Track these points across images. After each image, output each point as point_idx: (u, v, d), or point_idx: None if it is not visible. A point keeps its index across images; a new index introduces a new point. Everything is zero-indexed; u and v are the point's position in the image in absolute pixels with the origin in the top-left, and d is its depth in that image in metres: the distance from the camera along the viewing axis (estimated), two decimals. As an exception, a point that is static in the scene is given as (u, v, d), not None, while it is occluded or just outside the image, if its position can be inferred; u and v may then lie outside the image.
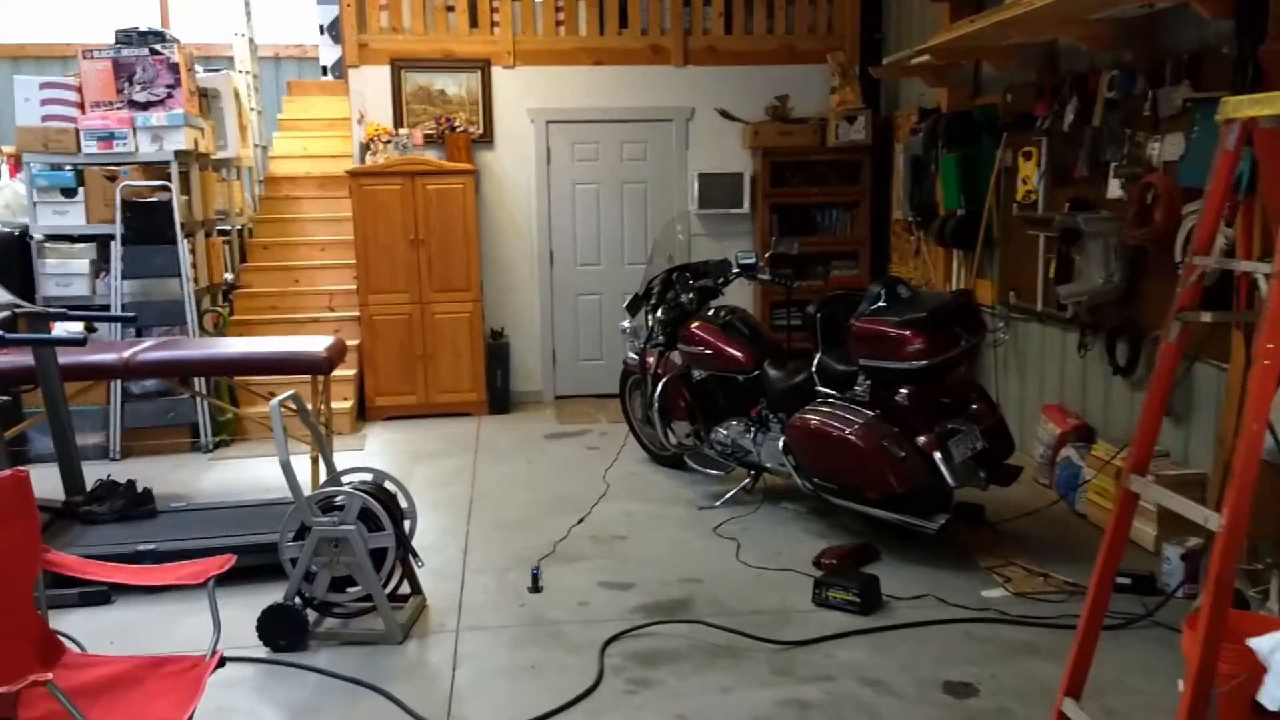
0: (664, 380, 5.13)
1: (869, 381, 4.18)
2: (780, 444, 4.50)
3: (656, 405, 5.15)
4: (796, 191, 7.25)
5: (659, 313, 5.10)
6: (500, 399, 7.09)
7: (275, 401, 3.43)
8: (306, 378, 5.04)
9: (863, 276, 7.29)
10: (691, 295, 5.08)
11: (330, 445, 5.42)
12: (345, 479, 3.74)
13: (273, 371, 4.97)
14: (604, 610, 3.72)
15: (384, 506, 3.48)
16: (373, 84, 7.13)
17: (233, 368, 4.89)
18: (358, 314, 6.97)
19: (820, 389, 4.37)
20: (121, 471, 5.71)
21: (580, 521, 4.68)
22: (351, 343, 6.97)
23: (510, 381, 7.20)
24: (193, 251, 6.52)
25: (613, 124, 7.34)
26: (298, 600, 3.44)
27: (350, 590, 3.47)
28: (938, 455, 3.99)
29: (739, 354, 4.80)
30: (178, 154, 6.27)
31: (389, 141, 6.97)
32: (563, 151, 7.34)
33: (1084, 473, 4.64)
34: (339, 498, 3.46)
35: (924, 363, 3.94)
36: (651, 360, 5.29)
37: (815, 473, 4.31)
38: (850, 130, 7.06)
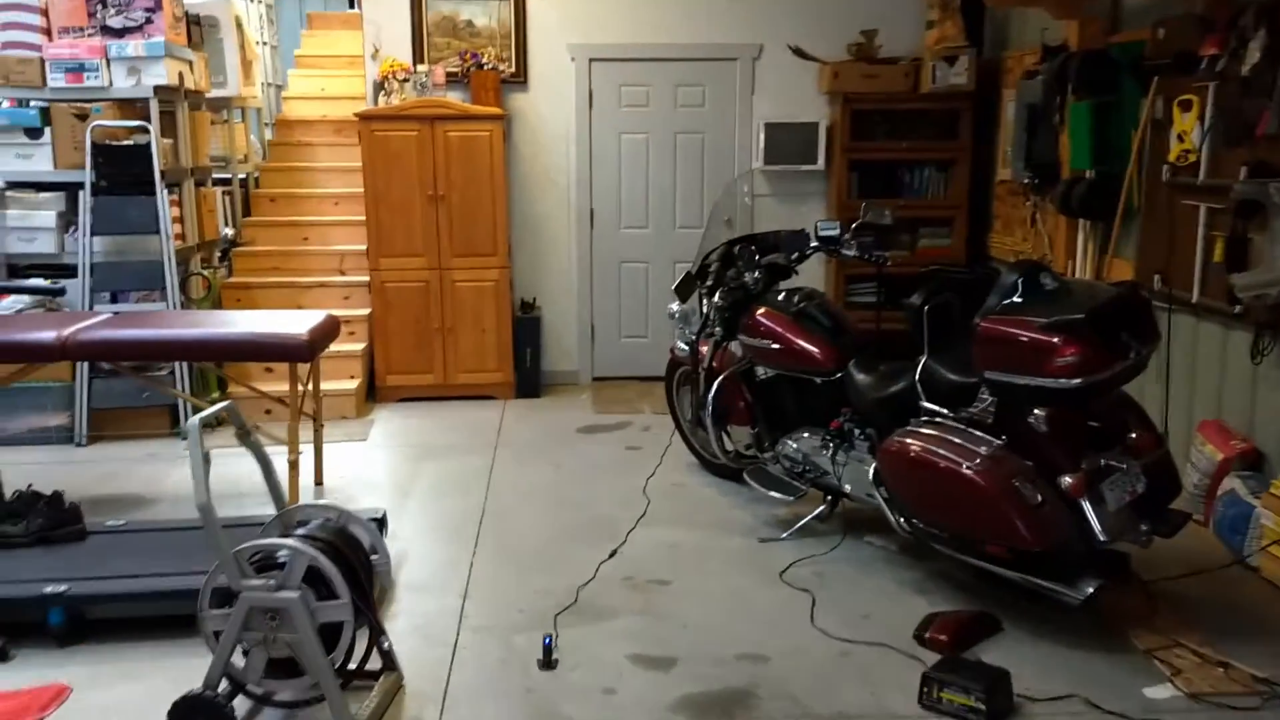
0: (720, 378, 4.16)
1: (994, 399, 3.16)
2: (870, 471, 3.52)
3: (710, 407, 4.18)
4: (882, 145, 6.16)
5: (716, 296, 4.10)
6: (529, 381, 6.17)
7: (195, 421, 2.53)
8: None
9: (956, 248, 6.20)
10: (757, 274, 4.07)
11: (319, 441, 4.56)
12: (300, 518, 2.84)
13: (242, 358, 4.12)
14: (636, 704, 2.79)
15: (344, 562, 2.58)
16: (390, 12, 6.15)
17: (193, 352, 4.01)
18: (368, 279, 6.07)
19: (925, 404, 3.37)
20: (86, 461, 4.94)
21: (612, 555, 3.75)
22: (361, 312, 6.09)
23: (541, 361, 6.27)
24: (178, 204, 5.66)
25: (666, 63, 6.30)
26: (224, 687, 2.56)
27: (296, 676, 2.58)
28: (1086, 502, 2.99)
29: (816, 351, 3.80)
30: (158, 90, 5.38)
31: (406, 80, 6.01)
32: (607, 95, 6.32)
33: (1258, 515, 3.60)
34: (281, 553, 2.55)
35: (1078, 381, 2.91)
36: (705, 351, 4.31)
37: (917, 513, 3.32)
38: (949, 73, 5.94)
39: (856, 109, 6.09)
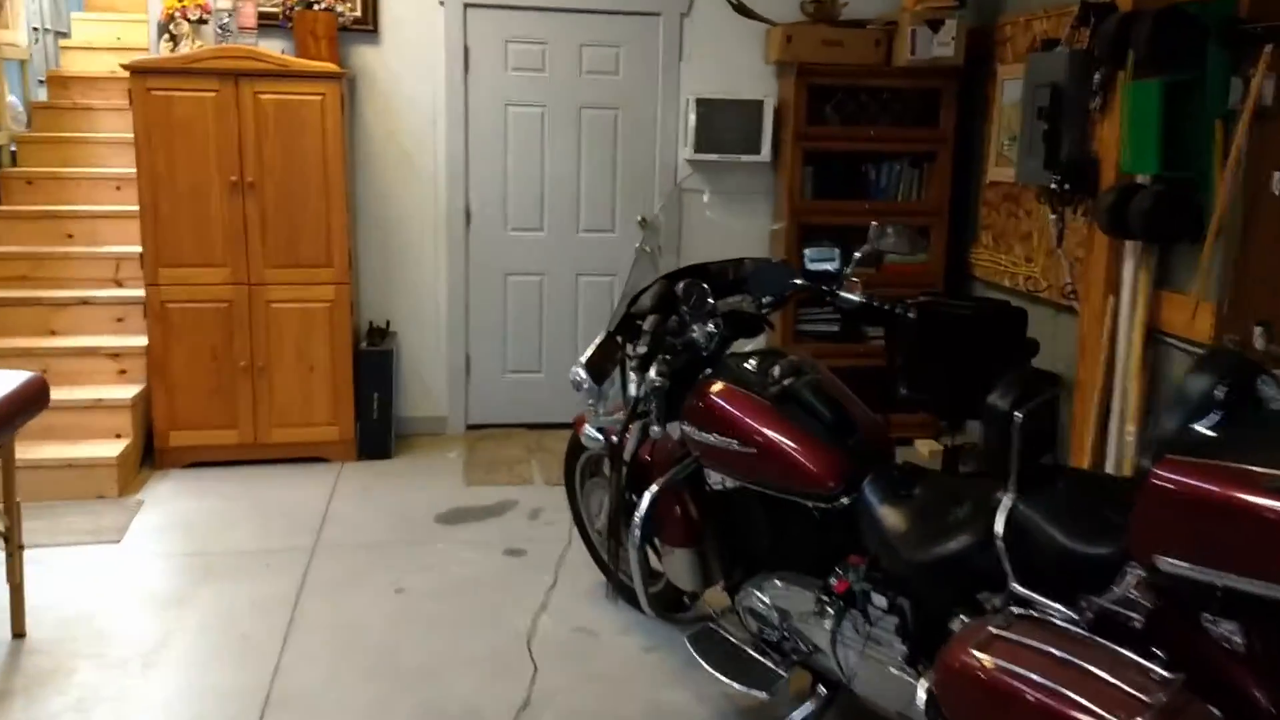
0: (654, 489, 2.66)
1: (1147, 588, 1.77)
2: (918, 689, 2.08)
3: (636, 530, 2.69)
4: (845, 132, 4.76)
5: (652, 370, 2.56)
6: (376, 437, 4.57)
7: None
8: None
9: (933, 265, 4.86)
10: (712, 328, 2.58)
11: (16, 572, 2.91)
12: None
13: None
14: None
15: None
16: (180, -75, 4.43)
17: None
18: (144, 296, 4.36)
19: (1017, 587, 1.95)
20: None
21: (470, 809, 2.24)
22: (137, 342, 4.38)
23: (396, 405, 4.68)
24: None
25: (569, 14, 4.76)
26: None
27: None
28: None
29: (809, 462, 2.34)
30: None
31: (202, 20, 4.31)
32: (490, 54, 4.75)
33: None
34: None
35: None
36: (629, 436, 2.81)
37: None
38: (933, 42, 4.58)
39: (814, 84, 4.68)
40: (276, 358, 4.38)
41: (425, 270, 4.85)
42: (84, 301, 4.52)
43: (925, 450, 4.74)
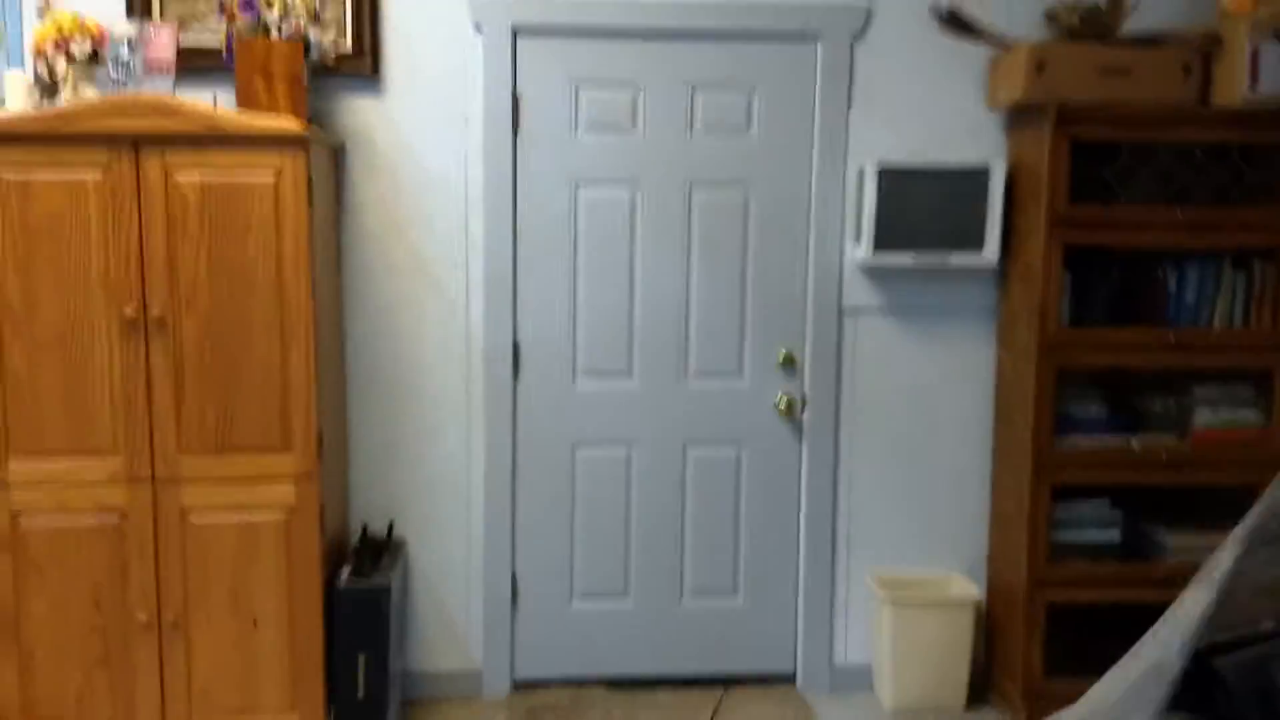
0: None
1: None
2: None
3: None
4: (1138, 214, 2.90)
5: None
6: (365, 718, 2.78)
7: None
8: None
9: (1277, 432, 2.94)
10: None
11: None
12: None
13: None
14: None
15: None
16: (71, -86, 2.85)
17: None
18: (-11, 507, 2.67)
19: None
20: None
21: None
22: (-24, 579, 2.68)
23: (405, 656, 2.90)
24: None
25: (674, 43, 3.05)
26: None
27: None
28: None
29: None
30: None
31: (93, 58, 2.68)
32: (552, 104, 3.05)
33: None
34: None
35: None
36: None
37: None
38: (1288, 65, 2.74)
39: (1081, 137, 2.85)
40: (198, 606, 2.64)
41: (450, 442, 3.09)
42: (-82, 499, 2.86)
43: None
